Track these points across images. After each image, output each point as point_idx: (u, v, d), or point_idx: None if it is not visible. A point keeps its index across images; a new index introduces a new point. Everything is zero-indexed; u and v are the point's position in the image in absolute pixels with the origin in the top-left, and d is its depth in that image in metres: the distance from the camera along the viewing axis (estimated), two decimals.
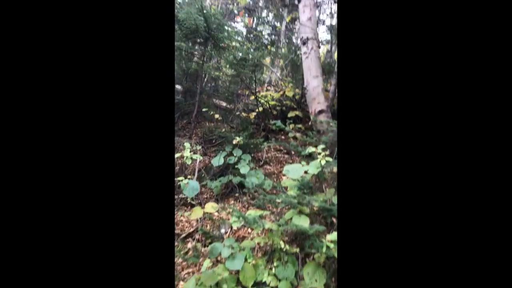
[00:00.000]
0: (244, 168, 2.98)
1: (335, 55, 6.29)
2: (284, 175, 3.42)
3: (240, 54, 4.21)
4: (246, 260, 1.90)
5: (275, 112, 4.83)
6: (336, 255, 1.76)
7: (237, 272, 1.91)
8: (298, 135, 3.46)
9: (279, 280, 1.88)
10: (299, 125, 4.17)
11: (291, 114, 4.44)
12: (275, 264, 2.01)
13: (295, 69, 5.55)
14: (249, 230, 2.64)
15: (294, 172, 2.39)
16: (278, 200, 2.23)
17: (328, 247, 1.72)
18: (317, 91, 3.34)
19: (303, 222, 2.02)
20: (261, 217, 2.24)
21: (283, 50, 6.63)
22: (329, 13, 6.26)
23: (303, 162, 2.46)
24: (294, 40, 7.51)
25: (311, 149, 2.54)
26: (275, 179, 3.49)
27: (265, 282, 1.85)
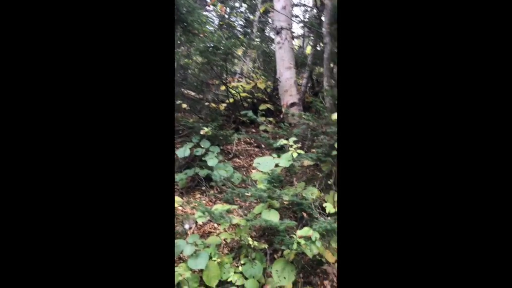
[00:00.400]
0: (212, 160, 2.81)
1: (308, 50, 6.28)
2: (254, 168, 3.31)
3: (212, 43, 4.01)
4: (210, 258, 1.76)
5: (246, 104, 4.69)
6: (306, 251, 1.68)
7: (201, 271, 1.77)
8: (269, 126, 3.36)
9: (246, 279, 1.77)
10: (270, 119, 4.08)
11: (262, 107, 4.32)
12: (242, 261, 1.89)
13: (267, 62, 5.43)
14: (216, 225, 2.49)
15: (265, 165, 2.28)
16: (247, 194, 2.10)
17: (299, 243, 1.63)
18: (290, 83, 3.26)
19: (273, 217, 1.92)
20: (228, 211, 2.11)
21: (255, 42, 6.48)
22: (303, 9, 6.20)
23: (275, 155, 2.36)
24: (267, 33, 7.38)
25: (282, 141, 2.45)
26: (244, 173, 3.36)
27: (230, 282, 1.72)
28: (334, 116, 2.06)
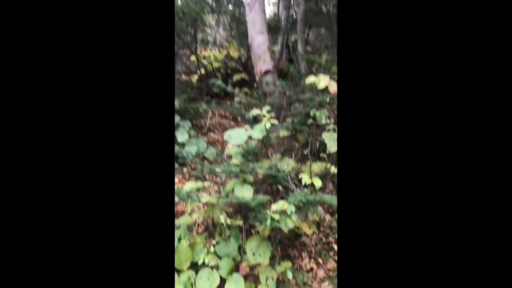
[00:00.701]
0: (182, 136, 2.62)
1: (283, 18, 5.93)
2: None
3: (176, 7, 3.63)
4: (179, 240, 1.63)
5: (219, 75, 4.42)
6: (281, 226, 1.59)
7: None
8: (243, 96, 3.17)
9: (220, 258, 1.67)
10: (245, 89, 3.87)
11: (236, 77, 4.08)
12: (215, 240, 1.78)
13: (241, 30, 5.11)
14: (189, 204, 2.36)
15: (236, 138, 2.13)
16: (218, 170, 1.96)
17: (273, 218, 1.53)
18: (263, 49, 3.03)
19: (246, 192, 1.80)
20: (199, 189, 1.96)
21: (227, 7, 6.05)
22: None
23: (247, 126, 2.20)
24: None
25: (255, 111, 2.28)
26: (219, 147, 3.20)
27: (204, 263, 1.62)
28: (308, 80, 1.89)
